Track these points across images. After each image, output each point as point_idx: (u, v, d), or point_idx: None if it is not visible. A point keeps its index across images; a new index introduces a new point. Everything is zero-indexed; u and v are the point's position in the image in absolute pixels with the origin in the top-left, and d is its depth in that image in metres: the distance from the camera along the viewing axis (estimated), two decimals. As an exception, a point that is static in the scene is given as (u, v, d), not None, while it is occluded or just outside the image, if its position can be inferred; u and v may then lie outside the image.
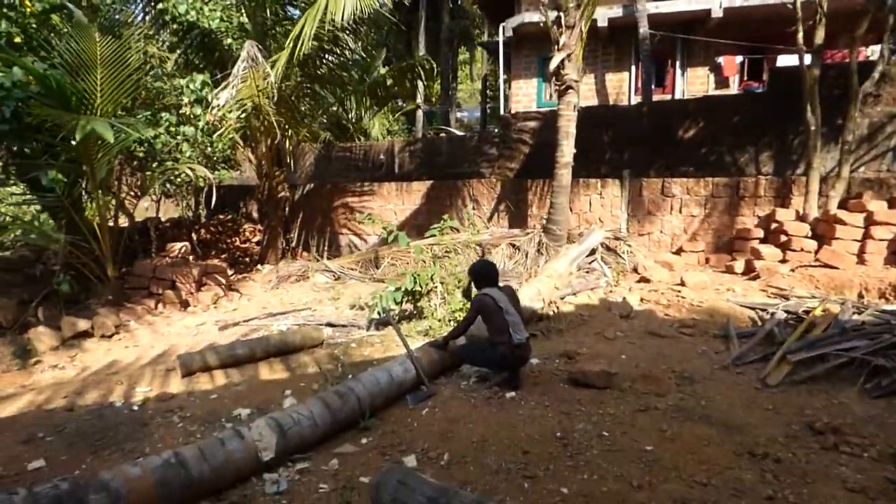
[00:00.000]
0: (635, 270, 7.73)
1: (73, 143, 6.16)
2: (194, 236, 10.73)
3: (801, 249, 7.24)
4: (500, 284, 4.44)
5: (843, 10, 9.35)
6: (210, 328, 6.42)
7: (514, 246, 8.46)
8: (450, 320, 5.90)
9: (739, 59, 12.12)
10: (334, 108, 11.04)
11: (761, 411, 3.73)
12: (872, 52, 11.22)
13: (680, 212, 8.55)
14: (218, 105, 7.25)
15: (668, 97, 12.48)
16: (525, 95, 13.54)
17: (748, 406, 3.82)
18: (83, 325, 6.05)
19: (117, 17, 8.24)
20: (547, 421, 3.62)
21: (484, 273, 4.33)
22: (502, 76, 14.12)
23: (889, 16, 7.44)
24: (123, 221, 8.36)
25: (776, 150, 8.98)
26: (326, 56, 9.41)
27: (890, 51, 7.67)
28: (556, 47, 7.59)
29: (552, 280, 6.44)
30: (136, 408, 4.22)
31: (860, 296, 6.16)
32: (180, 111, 7.31)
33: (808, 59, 7.74)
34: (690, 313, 5.90)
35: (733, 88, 12.31)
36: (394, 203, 10.46)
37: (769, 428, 3.49)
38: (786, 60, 10.87)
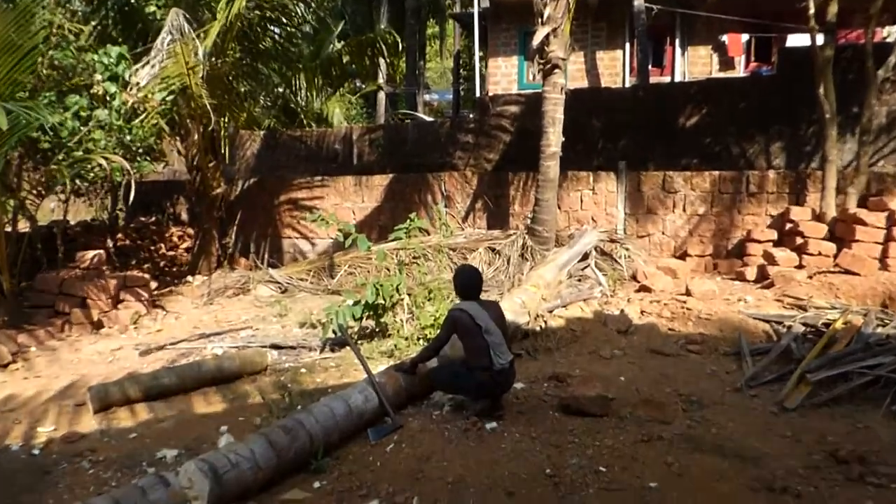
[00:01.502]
0: (634, 278, 7.81)
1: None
2: (110, 243, 10.45)
3: (819, 253, 7.41)
4: (484, 298, 4.48)
5: (858, -16, 10.02)
6: (129, 353, 6.32)
7: (493, 250, 8.45)
8: (419, 339, 5.87)
9: (745, 37, 12.32)
10: (280, 90, 10.92)
11: (779, 439, 3.79)
12: (889, 32, 11.63)
13: (684, 210, 8.68)
14: (138, 84, 7.09)
15: (667, 79, 12.65)
16: (504, 76, 13.62)
17: (764, 433, 3.87)
18: (-31, 352, 5.94)
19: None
20: (534, 456, 3.63)
21: (468, 282, 4.35)
22: (478, 53, 14.13)
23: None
24: (24, 226, 8.13)
25: (788, 141, 9.21)
26: (271, 27, 9.29)
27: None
28: (539, 20, 7.59)
29: (539, 290, 6.45)
30: (36, 451, 4.11)
31: (884, 305, 6.29)
32: (92, 90, 7.12)
33: (820, 39, 7.95)
34: (697, 327, 5.96)
35: (739, 70, 12.56)
36: (351, 200, 10.42)
37: (788, 458, 3.54)
38: (796, 40, 11.09)
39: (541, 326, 6.01)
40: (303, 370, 5.51)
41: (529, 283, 6.71)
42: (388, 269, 8.05)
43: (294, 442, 3.56)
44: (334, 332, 5.95)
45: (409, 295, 6.41)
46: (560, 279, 7.13)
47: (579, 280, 7.47)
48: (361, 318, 6.13)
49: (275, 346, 6.19)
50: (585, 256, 7.83)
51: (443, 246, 8.40)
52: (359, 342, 6.17)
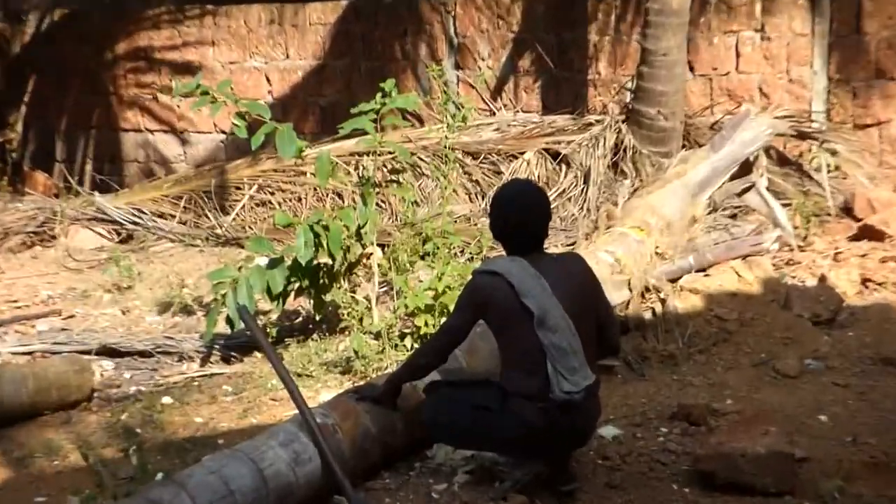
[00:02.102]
0: (847, 211, 7.86)
1: None
2: None
3: None
4: (551, 250, 4.51)
5: None
6: None
7: (555, 157, 8.56)
8: (402, 336, 6.01)
9: None
10: None
11: None
12: None
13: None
14: None
15: None
16: None
17: None
18: None
19: None
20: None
21: (518, 216, 4.32)
22: None
23: None
24: None
25: None
26: None
27: None
28: None
29: (649, 237, 6.56)
30: None
31: None
32: None
33: None
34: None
35: None
36: (264, 54, 10.52)
37: None
38: None
39: (654, 310, 6.17)
40: (166, 399, 5.58)
41: (629, 222, 6.74)
42: (340, 197, 8.09)
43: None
44: (231, 322, 6.02)
45: (382, 247, 6.45)
46: (695, 215, 7.25)
47: (733, 216, 7.52)
48: (285, 296, 6.23)
49: (108, 352, 6.26)
50: (747, 168, 7.77)
51: (451, 148, 8.30)
52: (282, 343, 6.22)
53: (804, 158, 8.29)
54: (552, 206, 7.94)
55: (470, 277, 4.41)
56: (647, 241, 6.43)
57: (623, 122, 8.27)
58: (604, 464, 4.43)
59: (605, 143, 8.19)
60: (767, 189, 7.74)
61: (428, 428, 4.47)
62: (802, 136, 8.38)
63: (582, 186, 8.05)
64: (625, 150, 8.11)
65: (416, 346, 5.61)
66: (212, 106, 6.70)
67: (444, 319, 5.23)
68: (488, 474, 4.31)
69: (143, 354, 6.33)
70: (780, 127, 8.26)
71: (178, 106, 10.83)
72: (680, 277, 6.61)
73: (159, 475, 4.47)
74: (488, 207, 4.51)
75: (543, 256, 4.30)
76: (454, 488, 4.25)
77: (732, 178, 7.72)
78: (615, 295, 5.81)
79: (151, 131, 10.96)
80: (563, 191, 8.05)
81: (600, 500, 4.15)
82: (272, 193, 8.93)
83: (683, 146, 8.18)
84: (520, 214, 4.30)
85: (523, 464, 4.23)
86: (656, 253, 6.44)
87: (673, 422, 4.88)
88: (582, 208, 7.86)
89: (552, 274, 4.18)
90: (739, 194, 7.69)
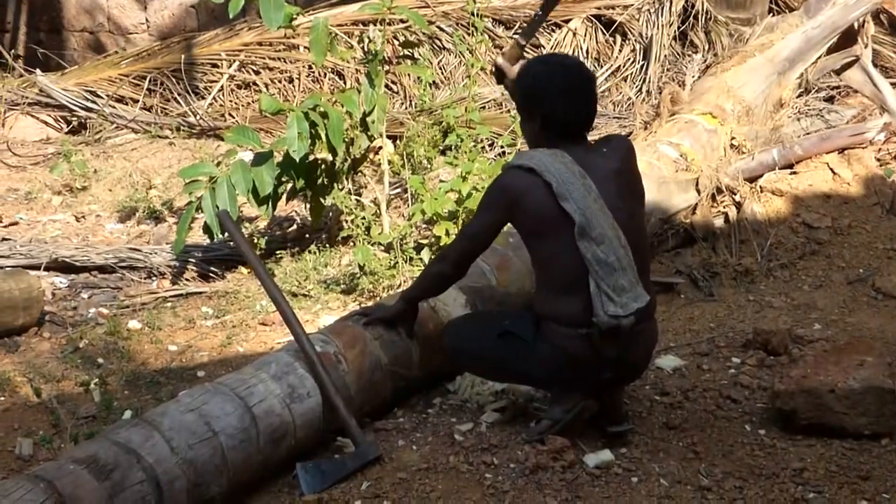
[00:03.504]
0: None
1: None
2: None
3: None
4: (596, 141, 4.57)
5: None
6: None
7: (607, 26, 8.54)
8: (418, 249, 6.14)
9: None
10: None
11: None
12: None
13: None
14: None
15: None
16: None
17: None
18: None
19: None
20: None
21: (552, 98, 4.31)
22: None
23: None
24: None
25: None
26: None
27: None
28: None
29: (724, 126, 6.48)
30: None
31: None
32: None
33: None
34: None
35: None
36: None
37: None
38: None
39: (727, 216, 6.13)
40: (133, 323, 5.70)
41: (700, 107, 6.71)
42: (341, 77, 8.09)
43: (115, 500, 3.62)
44: (209, 231, 6.15)
45: (393, 140, 6.48)
46: (781, 97, 7.15)
47: (830, 99, 7.50)
48: (276, 199, 6.33)
49: (61, 267, 6.38)
50: (850, 39, 7.71)
51: (479, 14, 8.22)
52: (273, 257, 6.23)
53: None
54: (603, 88, 8.11)
55: (500, 173, 4.41)
56: (720, 131, 6.35)
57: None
58: (662, 400, 4.56)
59: (670, 8, 8.14)
60: (874, 64, 7.67)
61: (450, 356, 4.59)
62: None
63: (641, 63, 8.09)
64: (695, 17, 8.09)
65: (430, 255, 5.69)
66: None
67: (462, 227, 5.15)
68: (522, 412, 4.43)
69: (102, 270, 6.43)
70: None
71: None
72: (761, 176, 6.68)
73: (127, 413, 4.59)
74: (515, 87, 4.49)
75: (588, 149, 4.33)
76: (481, 428, 4.34)
77: (830, 51, 7.65)
78: (679, 198, 5.86)
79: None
80: (618, 68, 8.07)
81: (657, 442, 4.26)
82: (257, 72, 8.89)
83: (770, 11, 8.15)
84: (560, 97, 4.28)
85: (564, 399, 4.25)
86: (732, 145, 6.39)
87: (747, 351, 4.98)
88: (640, 90, 7.88)
89: (599, 171, 4.20)
90: (839, 71, 7.62)
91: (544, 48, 8.24)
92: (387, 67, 7.56)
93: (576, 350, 4.13)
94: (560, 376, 4.24)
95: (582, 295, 4.07)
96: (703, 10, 8.10)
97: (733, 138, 6.35)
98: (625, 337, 4.12)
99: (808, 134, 6.90)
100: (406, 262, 5.85)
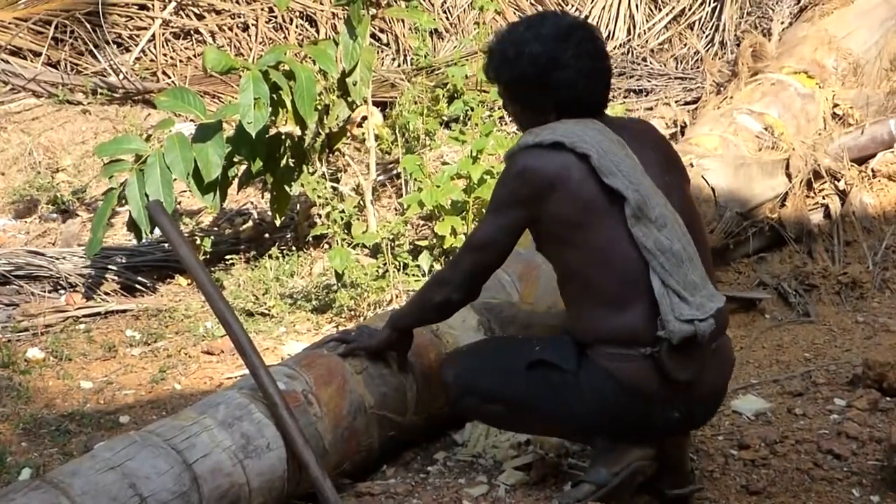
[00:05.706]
0: None
1: None
2: None
3: None
4: (612, 114, 4.62)
5: None
6: None
7: None
8: (418, 250, 6.14)
9: None
10: None
11: None
12: None
13: None
14: None
15: None
16: None
17: None
18: None
19: None
20: None
21: (563, 67, 4.32)
22: None
23: None
24: None
25: None
26: None
27: None
28: None
29: (824, 89, 6.61)
30: None
31: None
32: None
33: None
34: None
35: None
36: None
37: None
38: None
39: (827, 209, 6.29)
40: (34, 352, 5.85)
41: (792, 63, 6.70)
42: (312, 24, 8.03)
43: None
44: (135, 228, 6.25)
45: (382, 108, 6.49)
46: (892, 57, 6.98)
47: None
48: (225, 185, 6.38)
49: None
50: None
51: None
52: (223, 264, 6.20)
53: None
54: (662, 39, 8.11)
55: (514, 153, 4.29)
56: (818, 96, 6.41)
57: None
58: (740, 455, 4.57)
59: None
60: None
61: (452, 398, 4.60)
62: None
63: (713, 4, 8.00)
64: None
65: (436, 268, 5.70)
66: None
67: (471, 230, 5.22)
68: (552, 471, 4.46)
69: (-6, 280, 5.80)
70: None
71: None
72: (873, 155, 6.64)
73: (25, 472, 4.70)
74: (505, 78, 4.45)
75: (613, 120, 4.35)
76: (498, 493, 4.39)
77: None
78: (763, 185, 5.83)
79: None
80: (682, 12, 8.05)
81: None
82: (200, 17, 8.90)
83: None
84: (578, 78, 4.33)
85: (611, 454, 4.20)
86: (834, 115, 6.42)
87: (855, 389, 4.98)
88: (712, 41, 7.85)
89: (636, 142, 4.27)
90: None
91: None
92: (373, 11, 7.56)
93: (635, 378, 4.10)
94: (608, 420, 4.15)
95: (641, 300, 4.08)
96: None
97: (836, 105, 6.32)
98: (703, 352, 4.10)
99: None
100: (398, 270, 5.82)
